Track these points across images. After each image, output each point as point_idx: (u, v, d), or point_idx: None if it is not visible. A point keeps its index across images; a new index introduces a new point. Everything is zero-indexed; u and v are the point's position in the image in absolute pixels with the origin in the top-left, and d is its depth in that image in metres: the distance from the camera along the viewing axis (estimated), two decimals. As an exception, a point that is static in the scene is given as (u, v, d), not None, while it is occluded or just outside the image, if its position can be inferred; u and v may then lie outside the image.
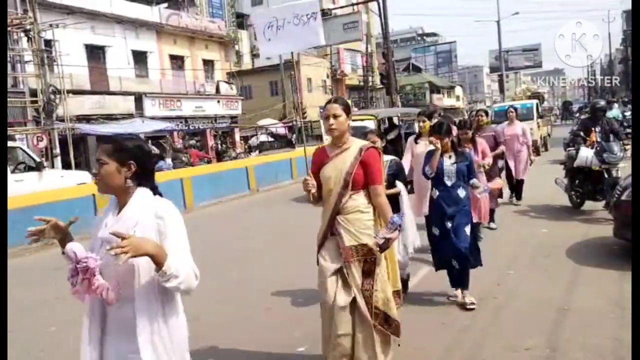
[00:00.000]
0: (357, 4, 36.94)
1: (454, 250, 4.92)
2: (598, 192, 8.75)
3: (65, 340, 4.79)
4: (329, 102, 3.65)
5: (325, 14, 30.50)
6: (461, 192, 5.06)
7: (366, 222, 3.53)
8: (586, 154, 8.80)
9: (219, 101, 32.79)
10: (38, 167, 13.93)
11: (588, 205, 9.10)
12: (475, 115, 9.50)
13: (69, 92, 21.10)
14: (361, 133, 4.74)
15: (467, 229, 4.97)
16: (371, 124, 12.16)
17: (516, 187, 10.46)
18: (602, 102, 10.46)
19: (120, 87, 26.27)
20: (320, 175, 3.61)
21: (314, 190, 3.57)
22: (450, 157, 5.10)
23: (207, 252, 8.37)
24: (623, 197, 6.09)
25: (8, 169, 12.81)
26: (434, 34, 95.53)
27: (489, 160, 7.03)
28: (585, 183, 8.95)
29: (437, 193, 5.10)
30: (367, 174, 3.52)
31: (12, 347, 4.09)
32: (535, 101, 22.27)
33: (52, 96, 19.76)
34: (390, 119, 14.23)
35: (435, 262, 5.33)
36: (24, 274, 7.87)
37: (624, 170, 8.49)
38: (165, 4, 33.30)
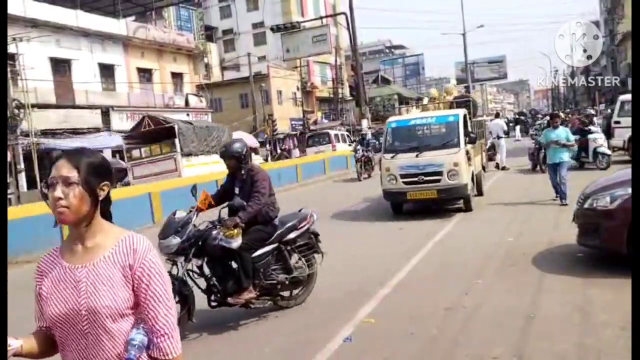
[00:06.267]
0: (326, 17, 37.28)
1: None
2: None
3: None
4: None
5: (294, 27, 30.64)
6: None
7: None
8: None
9: (188, 114, 32.57)
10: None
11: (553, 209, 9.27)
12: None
13: (33, 106, 20.72)
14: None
15: None
16: None
17: None
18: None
19: (87, 101, 25.90)
20: None
21: None
22: None
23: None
24: (585, 206, 6.24)
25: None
26: (402, 47, 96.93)
27: None
28: None
29: None
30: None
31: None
32: (461, 111, 11.55)
33: (16, 110, 19.37)
34: None
35: None
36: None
37: None
38: (133, 17, 33.05)
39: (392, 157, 10.90)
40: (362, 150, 20.54)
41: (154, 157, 18.77)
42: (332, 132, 31.59)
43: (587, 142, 15.74)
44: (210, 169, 17.57)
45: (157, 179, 16.87)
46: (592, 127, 16.67)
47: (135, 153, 19.48)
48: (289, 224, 5.55)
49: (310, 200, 13.99)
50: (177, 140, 18.39)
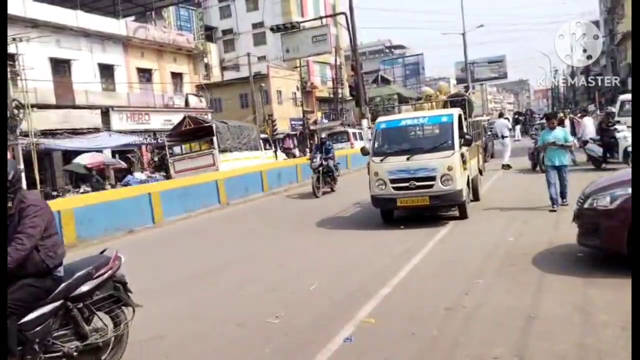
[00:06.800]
0: (326, 17, 37.27)
1: None
2: None
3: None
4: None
5: (294, 27, 30.67)
6: None
7: None
8: None
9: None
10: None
11: (553, 217, 9.25)
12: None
13: (33, 106, 20.74)
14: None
15: None
16: None
17: None
18: None
19: (87, 101, 25.94)
20: None
21: None
22: None
23: (176, 268, 8.27)
24: (585, 206, 6.24)
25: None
26: (402, 47, 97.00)
27: None
28: None
29: None
30: None
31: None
32: (456, 111, 10.68)
33: (15, 111, 19.38)
34: None
35: None
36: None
37: None
38: (132, 17, 33.07)
39: (381, 161, 10.03)
40: (321, 159, 16.36)
41: (194, 153, 21.01)
42: (350, 131, 32.44)
43: (616, 141, 15.09)
44: (242, 164, 19.72)
45: (197, 172, 18.61)
46: (618, 126, 15.59)
47: (176, 149, 21.95)
48: (80, 273, 4.10)
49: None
50: (214, 138, 20.27)
